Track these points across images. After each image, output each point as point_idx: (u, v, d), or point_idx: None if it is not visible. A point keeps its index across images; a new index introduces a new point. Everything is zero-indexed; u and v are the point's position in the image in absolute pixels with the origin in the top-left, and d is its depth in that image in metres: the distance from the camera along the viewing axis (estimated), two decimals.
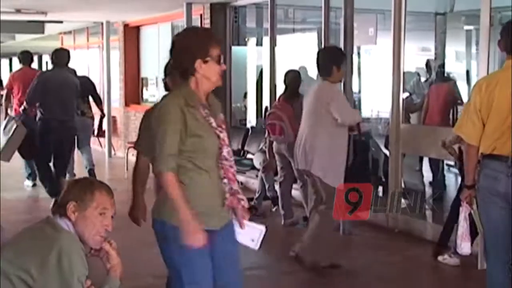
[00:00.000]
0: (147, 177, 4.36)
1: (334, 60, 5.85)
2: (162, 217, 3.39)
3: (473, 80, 6.53)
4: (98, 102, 10.31)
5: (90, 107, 10.11)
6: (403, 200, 7.49)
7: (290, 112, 7.25)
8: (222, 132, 3.41)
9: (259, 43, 11.39)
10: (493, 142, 4.08)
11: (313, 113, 5.88)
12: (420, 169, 8.68)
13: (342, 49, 6.75)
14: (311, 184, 6.06)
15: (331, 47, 6.80)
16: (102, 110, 10.66)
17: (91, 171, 9.84)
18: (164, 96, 3.62)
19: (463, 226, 4.47)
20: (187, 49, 3.43)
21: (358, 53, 11.17)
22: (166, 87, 4.37)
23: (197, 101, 3.36)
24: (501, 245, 4.21)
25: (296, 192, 7.81)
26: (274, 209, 8.19)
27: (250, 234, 3.79)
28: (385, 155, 8.03)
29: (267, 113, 7.67)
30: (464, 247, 4.52)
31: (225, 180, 3.44)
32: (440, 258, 6.10)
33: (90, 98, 10.10)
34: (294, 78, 7.60)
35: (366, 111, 11.49)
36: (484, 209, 4.24)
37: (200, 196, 3.36)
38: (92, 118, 10.22)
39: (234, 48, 10.73)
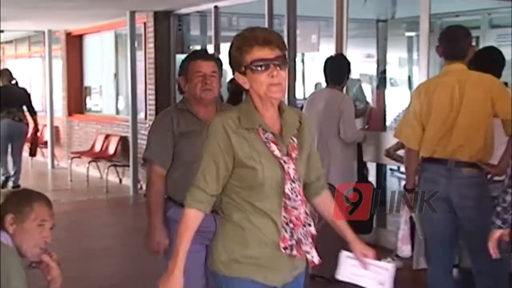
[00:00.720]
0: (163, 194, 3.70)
1: (345, 68, 5.84)
2: (214, 268, 2.73)
3: (415, 85, 6.63)
4: (32, 113, 10.47)
5: (25, 117, 10.49)
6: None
7: None
8: (288, 162, 2.65)
9: None
10: (433, 145, 4.15)
11: (325, 120, 5.70)
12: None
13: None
14: None
15: (340, 55, 6.67)
16: (35, 121, 10.66)
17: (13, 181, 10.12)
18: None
19: (403, 229, 4.53)
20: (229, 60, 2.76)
21: (303, 60, 11.27)
22: (180, 89, 3.86)
23: (255, 121, 2.64)
24: (443, 249, 4.29)
25: None
26: None
27: (377, 275, 2.87)
28: None
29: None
30: (405, 250, 4.58)
31: (288, 225, 2.65)
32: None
33: (25, 108, 10.49)
34: (237, 85, 7.59)
35: None
36: (425, 213, 4.29)
37: (259, 244, 2.65)
38: (27, 124, 10.49)
39: (178, 56, 10.69)
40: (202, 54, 3.87)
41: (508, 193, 3.21)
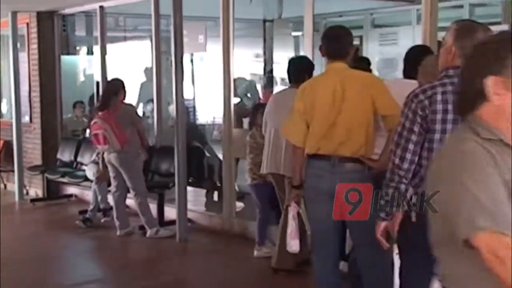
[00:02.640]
0: None
1: (306, 69, 5.79)
2: None
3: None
4: None
5: None
6: (238, 204, 7.62)
7: (113, 120, 7.18)
8: None
9: (90, 51, 11.15)
10: (317, 142, 4.23)
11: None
12: None
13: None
14: (279, 188, 5.92)
15: (303, 57, 6.66)
16: None
17: None
18: None
19: (291, 225, 4.58)
20: None
21: (191, 60, 11.24)
22: None
23: None
24: (329, 242, 4.37)
25: (130, 202, 7.72)
26: (103, 220, 8.09)
27: None
28: (221, 160, 8.12)
29: (91, 123, 7.53)
30: (293, 245, 4.64)
31: None
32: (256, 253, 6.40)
33: None
34: (111, 86, 7.53)
35: (202, 118, 11.58)
36: (311, 208, 4.38)
37: None
38: None
39: (63, 57, 10.43)
40: None
41: (390, 186, 3.30)
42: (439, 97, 3.17)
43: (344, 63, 4.31)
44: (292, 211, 4.58)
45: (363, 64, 5.54)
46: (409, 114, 3.23)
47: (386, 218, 3.37)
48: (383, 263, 4.20)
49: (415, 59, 4.54)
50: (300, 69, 5.82)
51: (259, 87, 10.76)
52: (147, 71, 9.85)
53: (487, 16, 8.51)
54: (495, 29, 5.10)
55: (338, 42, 4.32)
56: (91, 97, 9.94)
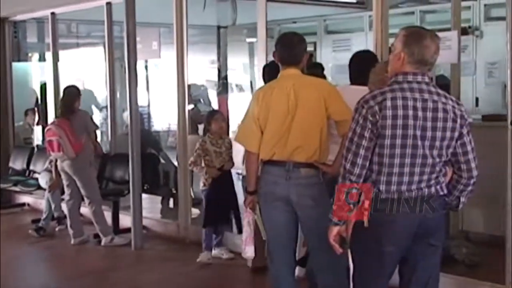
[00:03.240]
0: None
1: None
2: None
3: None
4: None
5: None
6: (193, 210, 7.60)
7: (67, 127, 7.12)
8: None
9: (42, 58, 11.02)
10: (272, 148, 4.25)
11: None
12: None
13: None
14: None
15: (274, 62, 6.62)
16: None
17: None
18: None
19: (246, 231, 4.59)
20: None
21: (146, 67, 11.20)
22: None
23: None
24: (284, 248, 4.39)
25: (85, 210, 7.64)
26: (57, 229, 7.99)
27: None
28: (176, 167, 8.09)
29: (45, 130, 7.45)
30: (248, 251, 4.63)
31: None
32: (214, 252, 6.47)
33: None
34: (69, 93, 7.46)
35: (157, 124, 11.54)
36: (267, 214, 4.39)
37: None
38: None
39: (15, 64, 10.29)
40: None
41: (342, 192, 3.33)
42: (388, 103, 3.21)
43: (297, 69, 4.34)
44: (247, 217, 4.58)
45: (317, 70, 5.62)
46: (360, 120, 3.26)
47: (339, 223, 3.39)
48: (339, 268, 4.23)
49: (363, 65, 4.60)
50: (272, 74, 5.90)
51: (214, 93, 10.76)
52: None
53: (437, 23, 8.66)
54: (445, 35, 5.24)
55: (292, 49, 4.35)
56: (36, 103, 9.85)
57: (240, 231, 6.36)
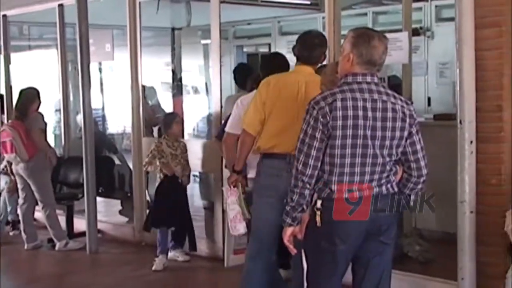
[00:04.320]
0: None
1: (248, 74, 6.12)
2: None
3: (212, 92, 6.78)
4: None
5: None
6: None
7: (22, 128, 7.05)
8: None
9: None
10: (274, 140, 4.33)
11: None
12: None
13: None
14: None
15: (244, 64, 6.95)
16: None
17: None
18: None
19: (234, 209, 4.66)
20: None
21: (100, 69, 11.09)
22: None
23: None
24: (267, 244, 4.45)
25: (38, 214, 7.55)
26: (12, 233, 7.91)
27: None
28: (131, 169, 8.04)
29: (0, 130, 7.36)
30: (240, 228, 4.70)
31: None
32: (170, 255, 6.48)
33: None
34: (25, 95, 7.37)
35: (112, 127, 11.43)
36: (259, 206, 4.45)
37: None
38: None
39: None
40: None
41: (295, 192, 3.35)
42: (339, 104, 3.24)
43: (312, 68, 4.50)
44: (232, 196, 4.65)
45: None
46: (311, 121, 3.29)
47: (293, 223, 3.42)
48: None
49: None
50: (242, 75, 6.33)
51: (169, 95, 10.71)
52: None
53: (389, 24, 8.77)
54: (396, 36, 5.31)
55: (312, 51, 4.49)
56: None
57: (193, 247, 6.43)
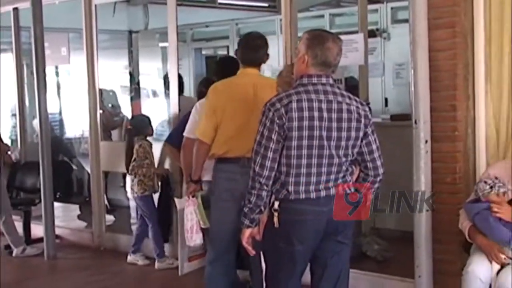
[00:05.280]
0: None
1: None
2: None
3: (171, 95, 6.74)
4: None
5: None
6: (108, 217, 7.51)
7: None
8: None
9: None
10: (226, 142, 4.32)
11: None
12: (124, 185, 8.73)
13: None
14: None
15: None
16: None
17: None
18: None
19: (192, 219, 4.64)
20: None
21: (57, 73, 10.97)
22: None
23: None
24: (226, 247, 4.45)
25: None
26: None
27: None
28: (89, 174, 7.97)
29: None
30: (196, 238, 4.69)
31: None
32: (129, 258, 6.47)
33: None
34: None
35: (70, 131, 11.32)
36: (215, 211, 4.45)
37: None
38: None
39: None
40: None
41: (252, 194, 3.36)
42: (294, 105, 3.26)
43: (257, 70, 4.50)
44: (190, 206, 4.63)
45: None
46: (267, 123, 3.30)
47: (251, 225, 3.43)
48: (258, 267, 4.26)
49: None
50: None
51: (128, 99, 10.64)
52: None
53: (346, 25, 8.84)
54: (352, 37, 5.36)
55: (256, 52, 4.49)
56: None
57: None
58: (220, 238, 4.46)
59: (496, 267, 4.00)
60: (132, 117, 8.50)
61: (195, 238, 4.71)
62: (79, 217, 8.30)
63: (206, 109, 4.45)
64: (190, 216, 4.66)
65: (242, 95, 4.35)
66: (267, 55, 4.58)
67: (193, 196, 4.62)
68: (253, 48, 4.49)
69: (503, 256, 3.96)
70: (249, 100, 4.31)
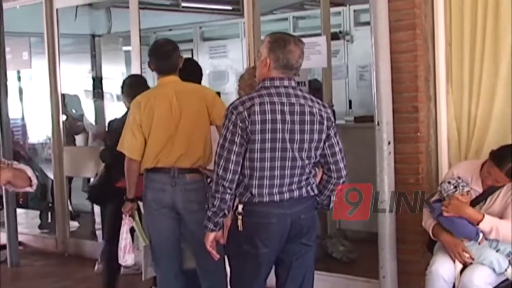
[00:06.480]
0: None
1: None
2: None
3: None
4: None
5: None
6: (72, 223, 7.44)
7: None
8: None
9: None
10: (156, 155, 4.25)
11: None
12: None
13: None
14: None
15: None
16: None
17: None
18: None
19: (126, 238, 4.57)
20: None
21: (19, 78, 10.84)
22: None
23: None
24: (172, 254, 4.41)
25: None
26: None
27: None
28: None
29: None
30: (128, 259, 4.62)
31: None
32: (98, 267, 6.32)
33: None
34: None
35: (33, 136, 11.19)
36: (153, 221, 4.38)
37: None
38: None
39: None
40: None
41: (216, 197, 3.35)
42: (257, 108, 3.26)
43: (175, 76, 4.38)
44: (126, 225, 4.56)
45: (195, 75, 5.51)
46: (230, 126, 3.30)
47: (215, 229, 3.42)
48: (220, 269, 4.25)
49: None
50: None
51: (92, 103, 10.56)
52: None
53: (309, 28, 8.87)
54: (315, 40, 5.39)
55: (168, 59, 4.36)
56: None
57: None
58: (156, 245, 4.43)
59: (459, 266, 4.04)
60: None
61: (126, 258, 4.64)
62: (40, 226, 8.20)
63: (131, 124, 4.31)
64: (125, 235, 4.59)
65: (165, 106, 4.25)
66: (181, 58, 4.47)
67: (130, 215, 4.55)
68: (164, 56, 4.37)
69: (466, 255, 4.00)
70: (174, 109, 4.24)
